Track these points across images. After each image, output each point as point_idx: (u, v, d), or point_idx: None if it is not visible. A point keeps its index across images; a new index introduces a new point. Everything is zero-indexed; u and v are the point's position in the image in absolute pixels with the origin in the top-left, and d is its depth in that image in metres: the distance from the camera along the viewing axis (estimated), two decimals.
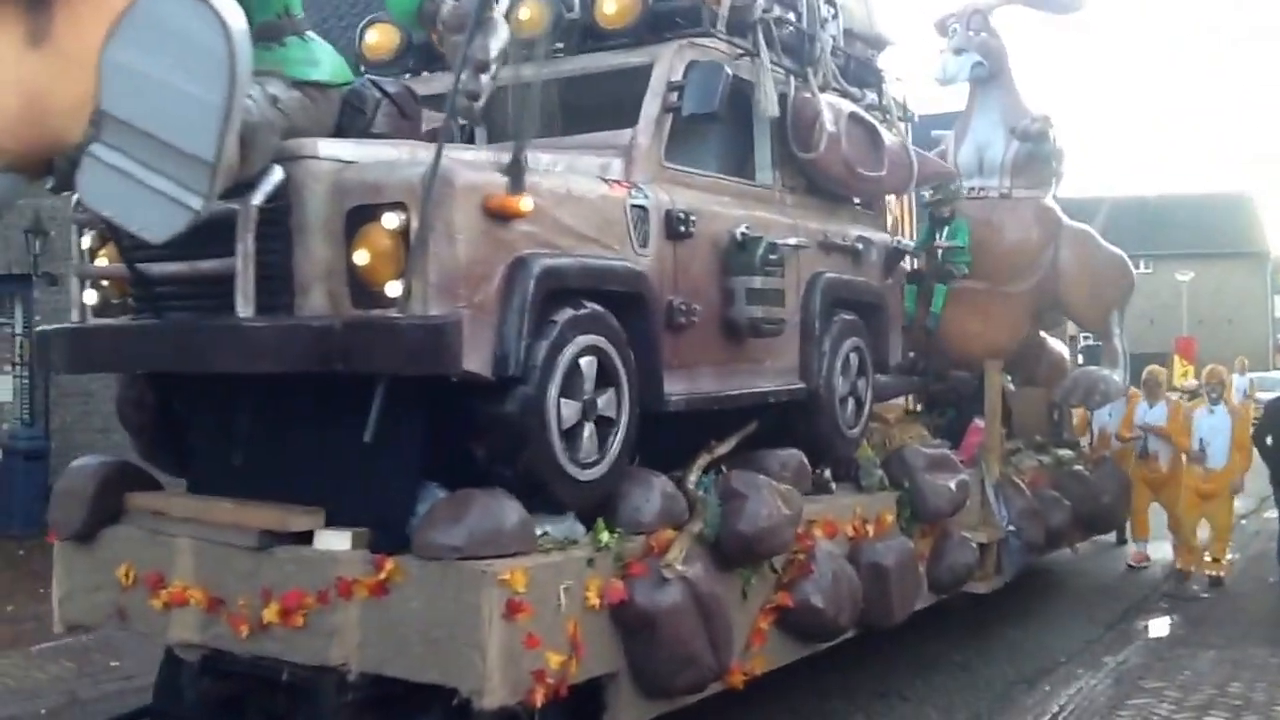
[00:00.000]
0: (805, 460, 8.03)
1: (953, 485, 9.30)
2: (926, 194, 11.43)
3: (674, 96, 7.29)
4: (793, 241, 8.09)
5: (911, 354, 11.35)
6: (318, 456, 6.19)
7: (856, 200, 9.43)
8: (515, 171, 5.72)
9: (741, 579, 7.15)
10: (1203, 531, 13.18)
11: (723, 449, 7.71)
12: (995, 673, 9.64)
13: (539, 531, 6.10)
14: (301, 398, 6.19)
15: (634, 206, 6.82)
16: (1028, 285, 11.67)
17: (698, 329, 7.20)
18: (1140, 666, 9.42)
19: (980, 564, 10.23)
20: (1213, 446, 12.73)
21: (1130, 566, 13.85)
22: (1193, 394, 18.81)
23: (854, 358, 8.85)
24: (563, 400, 6.10)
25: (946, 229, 11.28)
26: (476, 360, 5.70)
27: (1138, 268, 45.86)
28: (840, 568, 7.82)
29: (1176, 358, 42.13)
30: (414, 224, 5.60)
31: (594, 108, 7.36)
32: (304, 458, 6.25)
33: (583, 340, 6.21)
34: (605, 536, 6.27)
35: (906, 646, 9.66)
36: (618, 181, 6.82)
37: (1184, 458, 13.33)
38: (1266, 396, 16.26)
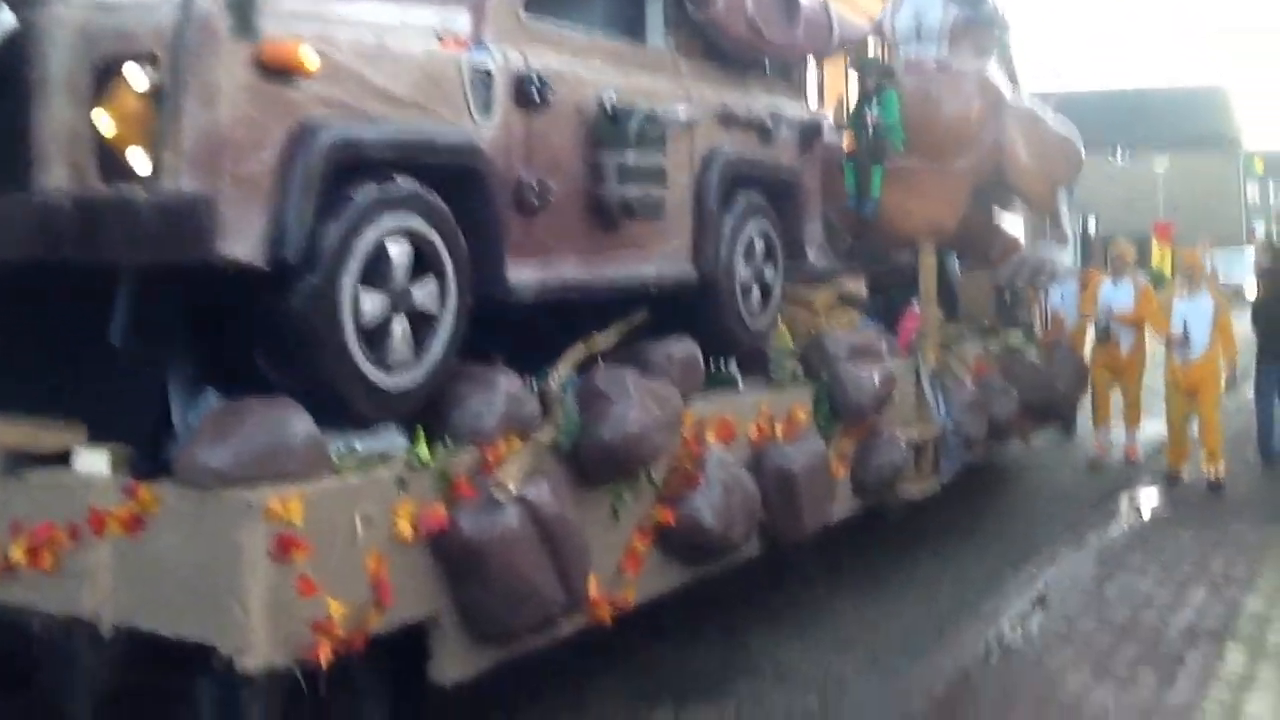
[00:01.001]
0: (698, 351, 6.76)
1: (877, 377, 8.04)
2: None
3: None
4: (681, 112, 6.75)
5: (849, 237, 10.06)
6: (76, 361, 4.95)
7: (768, 67, 8.03)
8: (240, 6, 4.36)
9: (611, 496, 5.95)
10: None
11: (602, 342, 6.47)
12: (977, 559, 9.20)
13: (341, 448, 4.86)
14: (58, 289, 4.91)
15: (474, 67, 5.48)
16: (968, 162, 10.27)
17: (557, 210, 5.92)
18: (1123, 545, 9.21)
19: (916, 463, 9.02)
20: (1195, 334, 11.29)
21: (1091, 461, 12.62)
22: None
23: (759, 242, 7.56)
24: (363, 292, 4.84)
25: (876, 102, 9.87)
26: (242, 245, 4.44)
27: (1113, 158, 44.92)
28: (734, 476, 6.60)
29: (1154, 240, 40.65)
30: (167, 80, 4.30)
31: None
32: (63, 363, 5.00)
33: (391, 221, 4.94)
34: (424, 452, 5.02)
35: (886, 539, 9.04)
36: (453, 37, 5.46)
37: (1143, 341, 12.14)
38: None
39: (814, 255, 8.27)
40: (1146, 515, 10.49)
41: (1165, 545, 9.17)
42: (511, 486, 5.08)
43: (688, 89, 7.00)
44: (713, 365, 7.25)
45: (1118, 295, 12.22)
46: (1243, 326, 12.30)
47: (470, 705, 5.35)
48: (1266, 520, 10.01)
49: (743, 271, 7.37)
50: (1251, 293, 16.98)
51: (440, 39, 5.36)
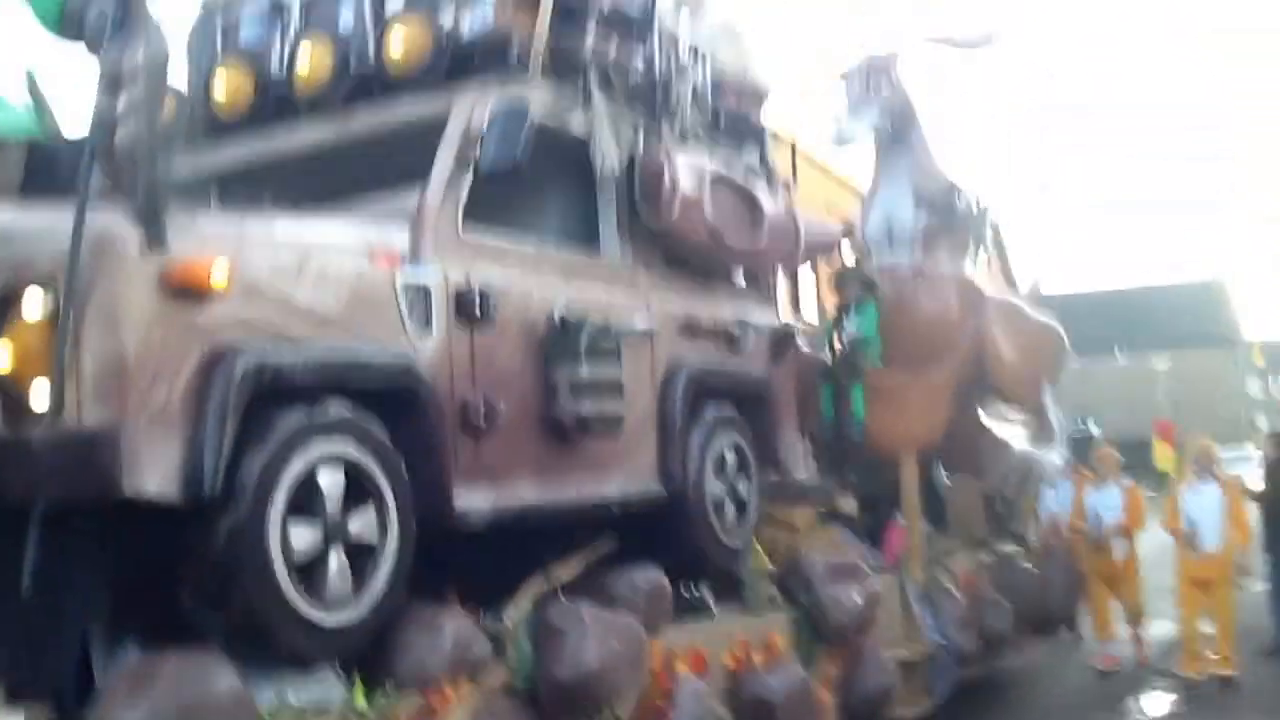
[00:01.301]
0: (664, 580, 6.39)
1: (859, 596, 7.65)
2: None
3: (476, 150, 5.81)
4: (638, 323, 6.57)
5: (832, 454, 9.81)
6: None
7: (736, 275, 7.90)
8: (150, 219, 4.16)
9: None
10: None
11: (565, 573, 6.13)
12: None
13: (272, 700, 4.49)
14: None
15: (409, 284, 5.30)
16: (949, 366, 10.08)
17: (508, 429, 5.68)
18: None
19: (907, 684, 8.54)
20: (1204, 526, 10.68)
21: (1100, 671, 11.81)
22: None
23: (731, 455, 7.28)
24: (293, 524, 4.54)
25: (854, 315, 9.74)
26: (154, 481, 4.19)
27: (1114, 359, 44.61)
28: (709, 709, 6.17)
29: (1156, 441, 40.48)
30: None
31: (387, 170, 5.88)
32: None
33: (321, 448, 4.69)
34: (360, 701, 4.65)
35: None
36: (386, 254, 5.29)
37: (1134, 546, 11.69)
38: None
39: (792, 467, 7.98)
40: (1164, 713, 10.22)
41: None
42: None
43: (647, 298, 6.83)
44: (685, 590, 6.92)
45: (1104, 500, 11.77)
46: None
47: None
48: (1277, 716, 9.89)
49: (714, 487, 7.08)
50: (1255, 484, 16.62)
51: (372, 256, 5.18)
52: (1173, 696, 10.62)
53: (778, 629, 7.20)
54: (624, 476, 6.47)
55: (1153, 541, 12.04)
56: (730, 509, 7.24)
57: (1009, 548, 10.96)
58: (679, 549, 6.89)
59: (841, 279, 9.73)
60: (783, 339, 8.10)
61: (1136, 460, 22.82)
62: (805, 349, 9.93)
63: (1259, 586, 12.45)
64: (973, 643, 9.22)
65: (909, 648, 8.56)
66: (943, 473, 11.14)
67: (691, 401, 6.92)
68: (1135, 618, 11.89)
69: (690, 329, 7.12)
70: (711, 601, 7.09)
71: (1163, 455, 36.87)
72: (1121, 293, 67.03)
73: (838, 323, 9.81)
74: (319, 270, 4.90)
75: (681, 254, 7.20)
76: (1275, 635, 12.02)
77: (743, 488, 7.37)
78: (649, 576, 6.32)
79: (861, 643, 7.86)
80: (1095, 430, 55.56)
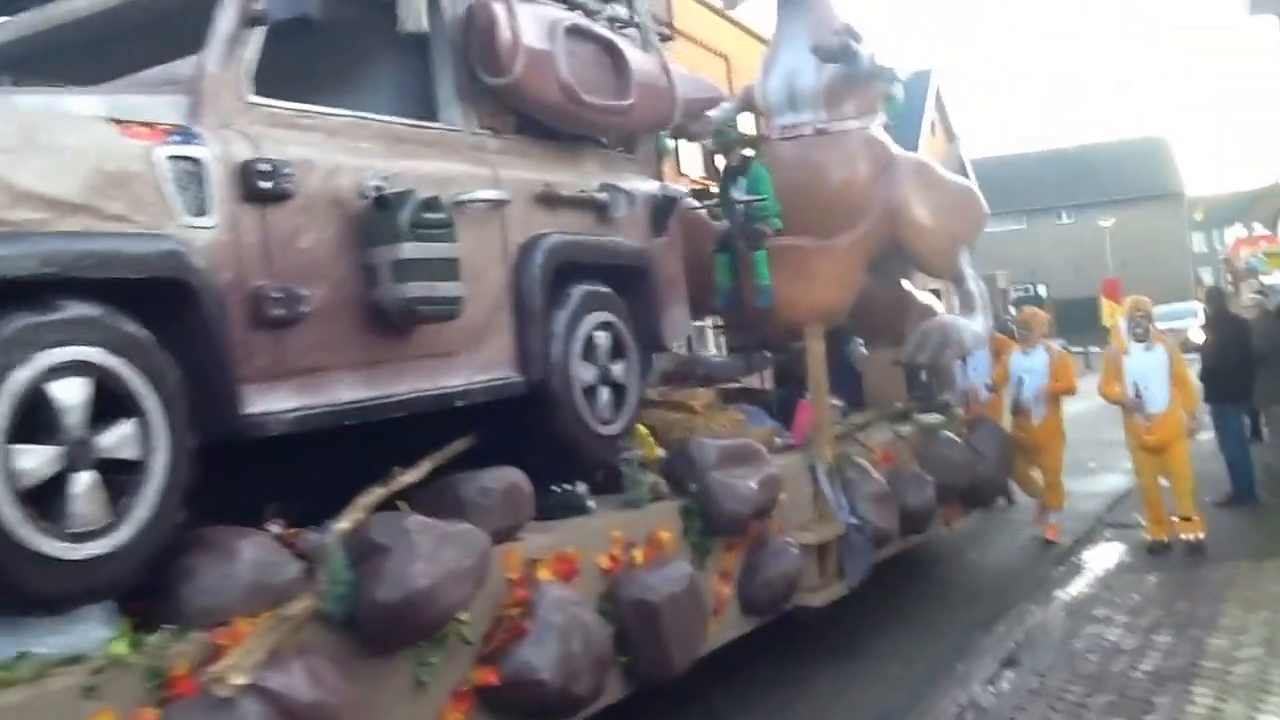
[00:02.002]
0: (520, 479, 5.69)
1: (754, 482, 6.99)
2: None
3: (261, 3, 4.96)
4: (481, 195, 5.79)
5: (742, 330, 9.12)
6: None
7: (606, 141, 7.11)
8: None
9: (414, 662, 4.84)
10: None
11: (408, 478, 5.42)
12: (953, 620, 9.04)
13: (9, 654, 3.78)
14: None
15: (175, 158, 4.48)
16: (858, 233, 9.33)
17: (318, 321, 4.91)
18: (1089, 597, 9.11)
19: (820, 568, 7.95)
20: (1151, 389, 10.05)
21: (1047, 540, 11.30)
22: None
23: (604, 337, 6.55)
24: (15, 449, 3.77)
25: (743, 180, 8.95)
26: None
27: (1060, 219, 44.64)
28: (574, 618, 5.50)
29: (1104, 300, 39.99)
30: None
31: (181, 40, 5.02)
32: None
33: (52, 356, 3.89)
34: (119, 647, 3.93)
35: (868, 604, 8.71)
36: (142, 125, 4.45)
37: (1058, 412, 11.19)
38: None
39: (678, 345, 7.26)
40: (1112, 565, 10.14)
41: (1131, 593, 9.05)
42: (238, 678, 3.98)
43: (494, 167, 6.03)
44: (557, 488, 6.25)
45: (1029, 365, 11.14)
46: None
47: None
48: (1228, 559, 9.77)
49: (583, 372, 6.37)
50: (1199, 338, 16.24)
51: (123, 128, 4.35)
52: (1123, 544, 10.45)
53: (664, 523, 6.54)
54: (470, 366, 5.75)
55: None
56: (604, 395, 6.54)
57: (932, 419, 10.28)
58: (546, 443, 6.24)
59: (721, 143, 8.92)
60: (663, 207, 7.33)
61: (1081, 319, 22.24)
62: (701, 216, 9.21)
63: (1205, 436, 12.22)
64: (891, 521, 8.61)
65: (818, 531, 7.93)
66: (859, 345, 10.45)
67: (552, 278, 6.17)
68: (1055, 493, 11.34)
69: (549, 200, 6.35)
70: (588, 498, 6.41)
71: (1111, 313, 36.31)
72: (1064, 151, 66.60)
73: (725, 188, 9.03)
74: (48, 146, 4.07)
75: (535, 116, 6.39)
76: (1236, 484, 12.02)
77: (619, 371, 6.66)
78: (503, 476, 5.64)
79: (760, 530, 7.24)
80: (1043, 293, 55.41)
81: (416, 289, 5.18)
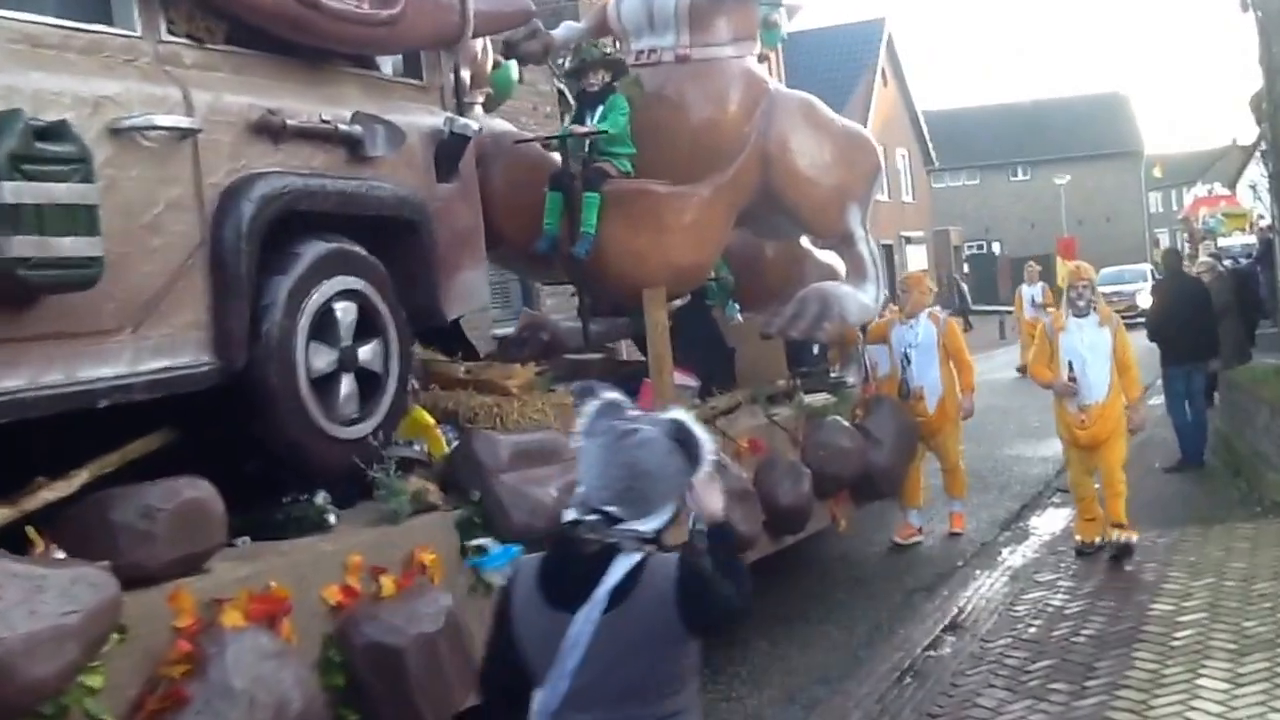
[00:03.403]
0: (203, 494, 4.38)
1: (557, 487, 5.69)
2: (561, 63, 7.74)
3: None
4: (157, 121, 4.43)
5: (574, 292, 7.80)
6: None
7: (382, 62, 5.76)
8: None
9: None
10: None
11: (49, 494, 4.12)
12: (894, 584, 8.95)
13: None
14: None
15: None
16: (723, 180, 8.00)
17: None
18: (1034, 562, 8.96)
19: None
20: (1089, 374, 8.39)
21: (895, 544, 9.97)
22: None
23: (347, 310, 5.21)
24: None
25: (600, 109, 7.63)
26: None
27: (1015, 175, 43.36)
28: (264, 678, 4.19)
29: (1058, 259, 39.02)
30: None
31: None
32: None
33: None
34: None
35: (808, 568, 8.90)
36: None
37: (953, 393, 9.91)
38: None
39: (462, 316, 5.97)
40: (1058, 530, 9.84)
41: (1076, 558, 8.82)
42: None
43: (186, 88, 4.66)
44: (293, 500, 4.98)
45: (912, 338, 9.80)
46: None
47: None
48: (1172, 524, 9.56)
49: (313, 355, 5.04)
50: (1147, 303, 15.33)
51: None
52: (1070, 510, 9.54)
53: (430, 541, 5.24)
54: (136, 350, 4.42)
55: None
56: (346, 385, 5.21)
57: (818, 401, 9.00)
58: (261, 444, 4.89)
59: (581, 63, 7.59)
60: (451, 145, 5.98)
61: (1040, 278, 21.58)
62: (543, 154, 7.89)
63: (1155, 400, 12.24)
64: (752, 523, 7.35)
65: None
66: (735, 312, 9.14)
67: (265, 232, 4.83)
68: (955, 479, 10.12)
69: (271, 131, 4.99)
70: (330, 511, 5.11)
71: (1065, 273, 35.16)
72: (1020, 106, 65.39)
73: (578, 118, 7.70)
74: None
75: (256, 24, 5.03)
76: (1184, 448, 11.81)
77: (369, 354, 5.34)
78: (176, 491, 4.33)
79: None
80: (997, 250, 54.48)
81: (19, 244, 3.83)
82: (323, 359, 5.08)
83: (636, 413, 3.14)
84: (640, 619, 2.87)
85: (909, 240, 45.67)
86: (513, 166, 7.60)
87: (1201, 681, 5.98)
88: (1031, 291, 21.55)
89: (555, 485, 5.68)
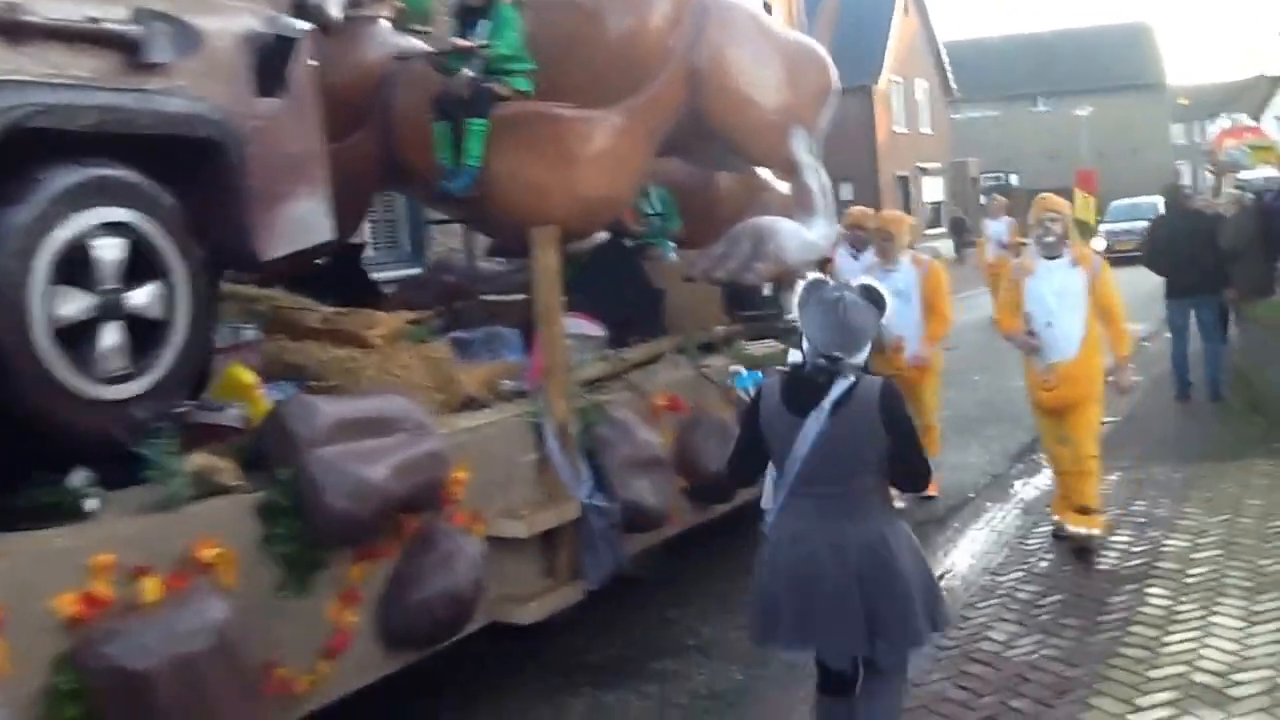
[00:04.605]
0: None
1: (388, 464, 4.73)
2: None
3: None
4: None
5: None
6: None
7: None
8: None
9: None
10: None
11: None
12: (904, 517, 7.09)
13: None
14: None
15: None
16: (640, 100, 6.94)
17: None
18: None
19: (545, 567, 5.78)
20: (1058, 325, 7.09)
21: (925, 496, 8.55)
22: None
23: (111, 247, 4.21)
24: None
25: (484, 23, 6.58)
26: None
27: (1035, 105, 41.71)
28: None
29: (1076, 191, 37.55)
30: None
31: None
32: None
33: None
34: None
35: None
36: None
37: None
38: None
39: (283, 255, 4.96)
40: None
41: None
42: None
43: None
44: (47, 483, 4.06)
45: (891, 285, 8.34)
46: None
47: (387, 698, 5.14)
48: (1188, 459, 9.32)
49: (58, 301, 4.04)
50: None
51: None
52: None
53: (218, 532, 4.28)
54: None
55: None
56: (111, 336, 4.22)
57: (762, 350, 7.96)
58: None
59: None
60: (273, 51, 4.93)
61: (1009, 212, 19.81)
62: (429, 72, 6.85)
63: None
64: (659, 493, 6.37)
65: (534, 518, 5.68)
66: (668, 251, 8.10)
67: None
68: (927, 435, 8.87)
69: (8, 27, 3.94)
70: (89, 495, 4.16)
71: (1084, 206, 33.94)
72: (1041, 36, 63.60)
73: (461, 33, 6.64)
74: None
75: None
76: (1177, 380, 11.88)
77: (144, 299, 4.34)
78: None
79: (424, 526, 5.02)
80: (1014, 181, 53.14)
81: None
82: (74, 305, 4.09)
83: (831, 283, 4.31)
84: (853, 420, 4.02)
85: (925, 172, 44.53)
86: (419, 89, 6.58)
87: (1215, 619, 5.89)
88: (997, 229, 18.79)
89: (386, 462, 4.72)
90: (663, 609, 6.89)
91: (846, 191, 32.22)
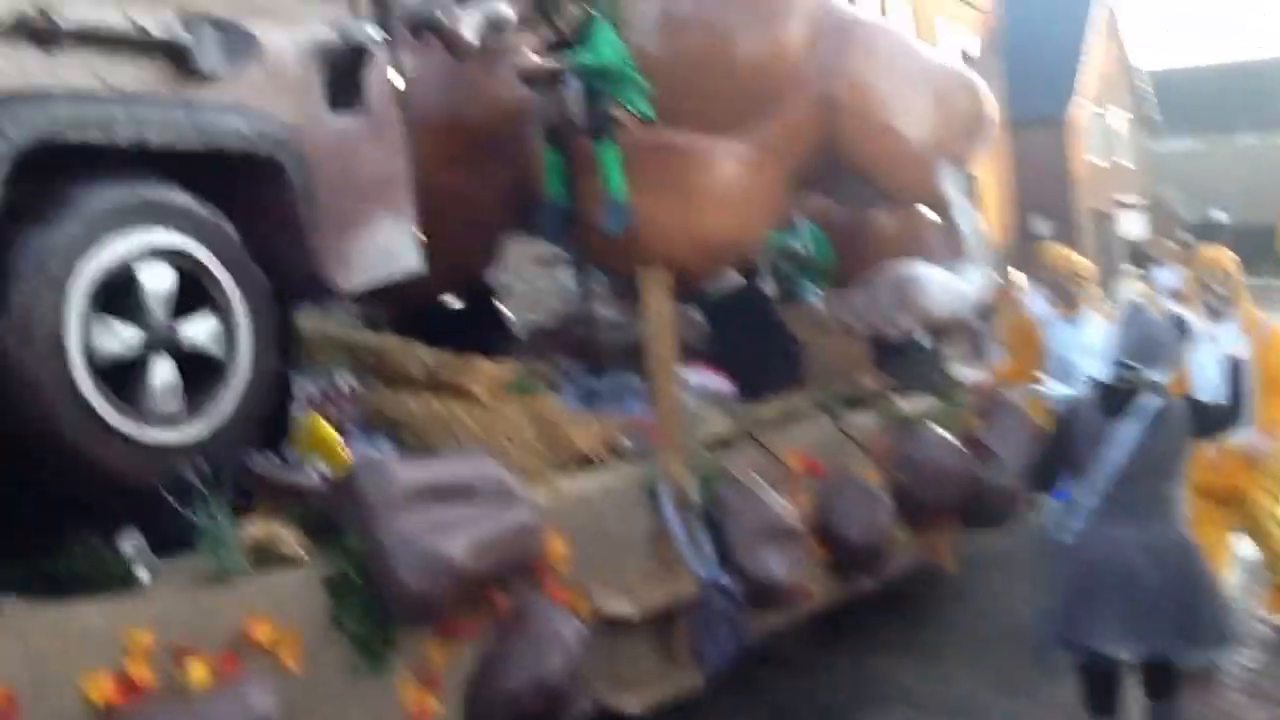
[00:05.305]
0: None
1: (469, 537, 4.36)
2: None
3: None
4: None
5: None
6: None
7: None
8: None
9: None
10: None
11: None
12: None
13: None
14: None
15: None
16: (773, 128, 6.50)
17: None
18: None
19: (658, 650, 5.34)
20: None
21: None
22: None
23: (160, 276, 3.93)
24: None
25: (590, 41, 6.28)
26: None
27: (1240, 138, 39.71)
28: None
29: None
30: None
31: None
32: None
33: None
34: None
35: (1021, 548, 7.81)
36: None
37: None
38: None
39: (363, 286, 4.68)
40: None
41: None
42: None
43: None
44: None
45: (1081, 338, 7.38)
46: None
47: None
48: None
49: (99, 334, 3.76)
50: None
51: None
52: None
53: (283, 607, 3.96)
54: None
55: None
56: (163, 373, 3.93)
57: (915, 407, 7.41)
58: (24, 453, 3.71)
59: None
60: (347, 61, 4.66)
61: (1261, 248, 18.56)
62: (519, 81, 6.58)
63: None
64: (789, 567, 5.85)
65: (643, 594, 5.25)
66: (812, 292, 7.63)
67: (12, 170, 3.57)
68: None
69: (37, 36, 3.72)
70: (139, 562, 3.88)
71: None
72: (1244, 65, 61.56)
73: (561, 55, 6.35)
74: None
75: None
76: None
77: (201, 332, 4.04)
78: None
79: (516, 602, 4.64)
80: (1223, 217, 51.15)
81: None
82: (117, 337, 3.81)
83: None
84: (1161, 431, 4.65)
85: (1125, 207, 43.09)
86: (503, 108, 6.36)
87: None
88: (1165, 278, 14.26)
89: (468, 534, 4.33)
90: (870, 660, 6.73)
91: (1043, 228, 31.40)
